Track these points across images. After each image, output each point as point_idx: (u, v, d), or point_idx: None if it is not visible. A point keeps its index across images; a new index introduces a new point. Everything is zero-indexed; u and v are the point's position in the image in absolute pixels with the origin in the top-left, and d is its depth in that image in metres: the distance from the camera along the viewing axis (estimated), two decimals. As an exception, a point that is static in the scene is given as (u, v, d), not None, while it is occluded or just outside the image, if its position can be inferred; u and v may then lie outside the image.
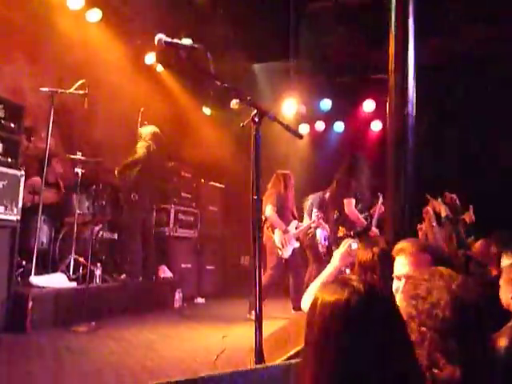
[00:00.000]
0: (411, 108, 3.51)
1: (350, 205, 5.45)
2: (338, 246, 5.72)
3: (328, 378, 1.14)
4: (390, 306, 1.21)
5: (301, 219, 7.04)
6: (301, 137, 2.42)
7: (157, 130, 6.61)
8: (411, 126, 3.51)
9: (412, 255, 1.96)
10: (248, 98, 2.28)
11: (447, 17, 6.76)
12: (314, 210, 7.13)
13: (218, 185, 8.79)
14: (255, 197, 2.22)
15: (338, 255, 2.68)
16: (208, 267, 8.18)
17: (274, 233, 6.17)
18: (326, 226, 6.84)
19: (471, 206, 4.16)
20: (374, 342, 1.14)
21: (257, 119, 2.29)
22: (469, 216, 4.13)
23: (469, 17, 6.96)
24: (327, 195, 6.32)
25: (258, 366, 1.92)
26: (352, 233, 5.03)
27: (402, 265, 1.96)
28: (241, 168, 8.78)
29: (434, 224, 3.63)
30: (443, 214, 3.67)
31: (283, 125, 2.39)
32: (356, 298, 1.17)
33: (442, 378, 1.31)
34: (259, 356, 2.00)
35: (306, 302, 2.72)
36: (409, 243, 2.02)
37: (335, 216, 5.52)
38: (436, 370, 1.33)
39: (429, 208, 3.57)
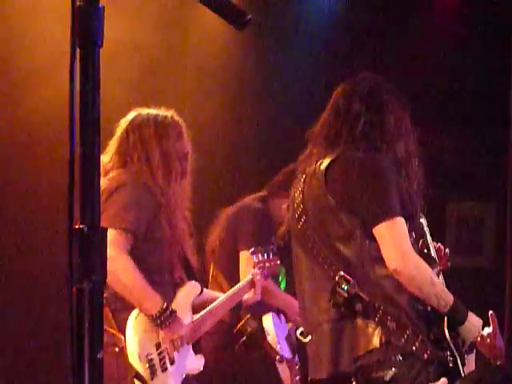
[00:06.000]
0: None
1: (401, 236, 2.08)
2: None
3: None
4: None
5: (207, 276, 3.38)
6: (243, 21, 0.99)
7: None
8: None
9: None
10: None
11: None
12: (250, 251, 3.15)
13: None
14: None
15: None
16: None
17: (122, 329, 2.51)
18: (289, 298, 3.27)
19: None
20: None
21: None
22: None
23: None
24: (289, 201, 2.44)
25: None
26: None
27: None
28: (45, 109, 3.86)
29: None
30: None
31: None
32: None
33: None
34: None
35: None
36: None
37: (338, 275, 2.11)
38: None
39: None
